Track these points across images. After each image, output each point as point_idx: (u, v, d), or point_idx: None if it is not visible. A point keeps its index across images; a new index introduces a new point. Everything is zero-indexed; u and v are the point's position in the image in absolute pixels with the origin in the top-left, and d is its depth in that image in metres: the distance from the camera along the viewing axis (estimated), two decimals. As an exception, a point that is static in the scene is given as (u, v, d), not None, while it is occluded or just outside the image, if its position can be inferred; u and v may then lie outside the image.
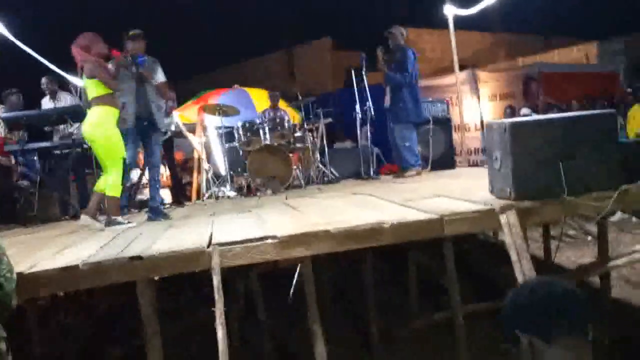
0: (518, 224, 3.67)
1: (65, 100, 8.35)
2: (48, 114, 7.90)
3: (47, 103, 8.51)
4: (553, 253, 6.18)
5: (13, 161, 8.16)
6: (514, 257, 3.61)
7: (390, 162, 9.54)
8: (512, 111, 12.37)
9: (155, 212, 6.27)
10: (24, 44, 9.34)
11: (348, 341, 5.65)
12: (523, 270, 3.55)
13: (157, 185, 6.46)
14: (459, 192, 4.79)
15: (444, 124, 9.07)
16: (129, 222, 5.69)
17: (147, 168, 7.04)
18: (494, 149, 3.99)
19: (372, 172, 8.67)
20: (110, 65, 5.91)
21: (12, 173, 8.27)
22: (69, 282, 3.70)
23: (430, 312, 5.81)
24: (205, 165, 9.14)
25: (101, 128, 5.59)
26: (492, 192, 4.11)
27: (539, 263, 5.71)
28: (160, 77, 6.48)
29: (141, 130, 6.39)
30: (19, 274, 3.32)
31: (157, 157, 6.57)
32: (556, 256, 6.29)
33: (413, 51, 8.14)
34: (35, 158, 8.31)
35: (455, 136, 10.44)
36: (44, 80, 8.49)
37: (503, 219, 3.70)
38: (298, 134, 9.10)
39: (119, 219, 5.70)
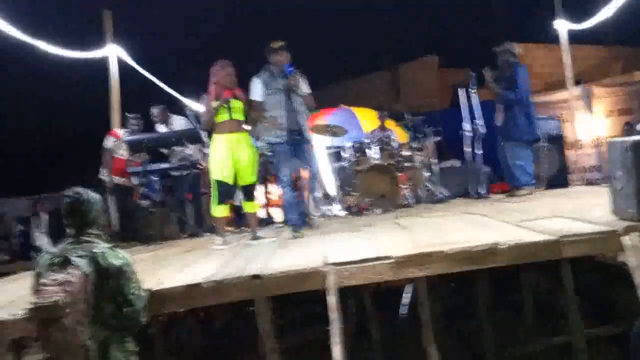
0: (643, 246, 3.54)
1: (179, 123, 8.71)
2: (167, 137, 8.31)
3: (161, 127, 8.91)
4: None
5: (135, 182, 8.63)
6: (638, 280, 3.48)
7: (500, 180, 9.35)
8: (630, 128, 11.83)
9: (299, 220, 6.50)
10: (144, 68, 9.87)
11: (461, 361, 5.59)
12: (648, 294, 3.41)
13: (314, 194, 6.69)
14: (576, 212, 4.67)
15: (557, 141, 8.82)
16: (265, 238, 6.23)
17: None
18: (615, 168, 3.86)
19: (482, 191, 8.53)
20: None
21: (134, 193, 8.74)
22: (192, 299, 3.89)
23: (546, 335, 5.65)
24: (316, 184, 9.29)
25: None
26: (613, 212, 3.98)
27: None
28: (305, 88, 6.45)
29: (294, 143, 6.40)
30: (147, 291, 3.53)
31: (315, 167, 6.74)
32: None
33: (525, 68, 7.97)
34: (155, 178, 8.76)
35: (569, 154, 10.11)
36: (154, 111, 8.88)
37: (626, 240, 3.58)
38: (406, 153, 9.11)
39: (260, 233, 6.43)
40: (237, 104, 6.09)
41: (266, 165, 8.74)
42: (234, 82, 6.12)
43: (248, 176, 6.18)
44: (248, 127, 6.26)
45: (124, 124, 9.05)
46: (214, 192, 6.10)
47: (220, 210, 6.13)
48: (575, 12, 10.99)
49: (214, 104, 5.99)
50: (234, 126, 6.09)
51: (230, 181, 6.13)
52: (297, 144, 6.39)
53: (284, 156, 6.33)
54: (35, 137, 22.92)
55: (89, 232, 3.34)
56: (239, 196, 8.93)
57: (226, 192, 6.17)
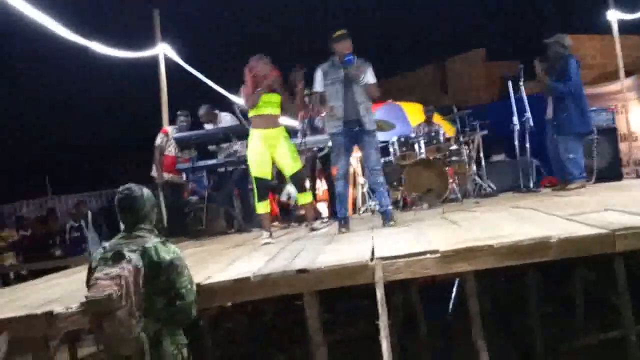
0: (699, 239, 3.44)
1: (226, 121, 8.77)
2: (215, 133, 8.41)
3: (209, 126, 8.97)
4: None
5: (184, 178, 8.77)
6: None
7: (549, 174, 9.20)
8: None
9: (386, 215, 6.17)
10: (191, 65, 10.01)
11: (511, 356, 5.53)
12: None
13: (382, 189, 6.28)
14: (630, 205, 4.56)
15: (610, 133, 8.61)
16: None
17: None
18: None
19: (531, 185, 8.40)
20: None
21: (183, 190, 8.89)
22: (240, 293, 3.94)
23: (598, 330, 5.56)
24: (360, 179, 9.29)
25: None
26: (667, 205, 3.88)
27: None
28: (370, 78, 6.24)
29: (352, 136, 6.24)
30: (196, 285, 3.60)
31: (373, 161, 6.26)
32: None
33: (576, 59, 7.79)
34: (203, 175, 8.88)
35: (622, 146, 9.88)
36: (201, 112, 8.94)
37: (681, 234, 3.49)
38: (453, 147, 9.04)
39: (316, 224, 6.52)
40: (274, 98, 6.15)
41: (313, 161, 8.77)
42: (274, 69, 6.19)
43: (291, 164, 6.26)
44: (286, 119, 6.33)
45: (173, 122, 9.18)
46: (254, 189, 6.21)
47: (262, 207, 6.22)
48: (627, 2, 10.72)
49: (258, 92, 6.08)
50: (270, 121, 6.16)
51: (268, 177, 6.25)
52: (355, 135, 6.21)
53: (338, 148, 6.24)
54: (89, 137, 23.46)
55: (141, 227, 3.42)
56: (287, 191, 9.05)
57: (265, 188, 6.26)
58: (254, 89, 6.09)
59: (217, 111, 8.91)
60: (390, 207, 6.28)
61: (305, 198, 6.49)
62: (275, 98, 6.17)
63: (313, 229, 6.17)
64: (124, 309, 3.05)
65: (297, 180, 6.44)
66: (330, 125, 6.25)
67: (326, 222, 7.86)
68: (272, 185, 6.52)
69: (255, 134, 6.16)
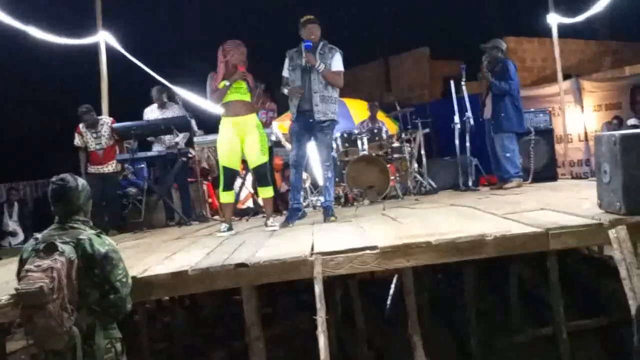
0: (628, 240, 3.55)
1: (173, 111, 8.59)
2: (157, 124, 8.23)
3: (150, 113, 8.79)
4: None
5: (116, 170, 8.43)
6: (623, 273, 3.50)
7: (488, 173, 9.38)
8: (619, 122, 11.88)
9: (327, 210, 6.12)
10: (134, 56, 9.78)
11: (447, 351, 5.62)
12: (633, 287, 3.43)
13: (327, 184, 6.19)
14: (564, 205, 4.68)
15: (547, 134, 8.82)
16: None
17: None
18: (603, 162, 3.87)
19: (470, 184, 8.55)
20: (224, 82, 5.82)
21: (115, 181, 8.49)
22: (178, 287, 3.90)
23: (532, 326, 5.70)
24: (303, 174, 9.27)
25: None
26: (600, 206, 3.99)
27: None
28: (335, 64, 6.05)
29: (307, 127, 6.10)
30: (133, 278, 3.52)
31: (323, 156, 6.17)
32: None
33: (514, 63, 8.03)
34: (143, 166, 8.70)
35: (558, 147, 10.13)
36: (154, 91, 8.76)
37: (612, 234, 3.59)
38: (395, 144, 9.11)
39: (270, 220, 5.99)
40: (243, 83, 5.86)
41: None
42: (245, 64, 5.86)
43: (258, 156, 5.89)
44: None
45: (115, 112, 8.91)
46: (220, 178, 5.97)
47: (227, 196, 5.99)
48: (567, 6, 10.99)
49: (223, 84, 5.78)
50: (240, 108, 5.85)
51: (237, 167, 6.05)
52: (310, 127, 6.09)
53: (292, 136, 6.13)
54: (21, 124, 22.79)
55: (76, 219, 3.32)
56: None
57: (232, 177, 6.09)
58: (222, 78, 5.79)
59: (165, 99, 8.71)
60: (332, 203, 6.24)
61: (267, 192, 6.11)
62: (244, 83, 5.86)
63: (267, 225, 5.90)
64: (55, 302, 2.97)
65: (261, 173, 6.04)
66: (290, 110, 6.19)
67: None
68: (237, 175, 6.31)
69: (225, 122, 5.87)
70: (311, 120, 6.01)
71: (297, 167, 6.20)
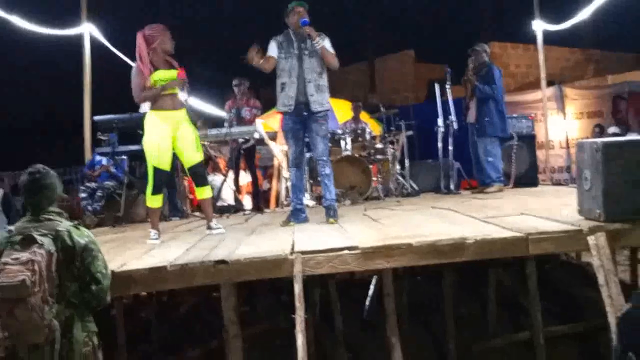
0: (607, 246, 3.56)
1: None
2: (140, 117, 8.12)
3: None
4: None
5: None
6: (601, 280, 3.51)
7: (470, 177, 9.42)
8: (600, 130, 11.99)
9: (330, 211, 5.67)
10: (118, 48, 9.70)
11: (424, 354, 5.62)
12: (611, 294, 3.44)
13: (327, 181, 5.74)
14: (544, 211, 4.69)
15: (529, 140, 8.88)
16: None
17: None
18: (584, 169, 3.89)
19: (452, 187, 8.57)
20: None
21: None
22: (156, 282, 3.85)
23: (510, 331, 5.72)
24: (285, 173, 9.26)
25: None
26: (580, 212, 4.01)
27: (625, 287, 5.54)
28: (327, 46, 5.72)
29: (302, 121, 5.73)
30: (111, 272, 3.48)
31: (319, 150, 5.73)
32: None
33: (499, 68, 8.09)
34: (124, 159, 8.61)
35: (539, 153, 10.21)
36: None
37: (591, 240, 3.60)
38: (378, 145, 9.11)
39: (213, 223, 5.50)
40: (174, 75, 5.27)
41: (237, 152, 8.67)
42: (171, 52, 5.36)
43: (193, 154, 5.36)
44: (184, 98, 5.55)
45: (97, 105, 8.81)
46: (149, 180, 5.29)
47: (155, 200, 5.35)
48: (552, 14, 11.08)
49: (156, 76, 5.20)
50: (175, 101, 5.34)
51: (167, 168, 5.35)
52: (305, 121, 5.73)
53: (288, 131, 5.76)
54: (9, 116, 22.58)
55: (51, 211, 3.28)
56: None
57: (163, 180, 5.38)
58: (149, 73, 5.19)
59: None
60: (335, 202, 5.81)
61: (205, 192, 5.54)
62: (174, 74, 5.29)
63: (210, 228, 5.46)
64: (37, 295, 2.94)
65: (199, 172, 5.49)
66: (281, 103, 5.73)
67: (248, 215, 7.80)
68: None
69: (154, 117, 5.25)
70: (305, 113, 5.67)
71: (298, 166, 5.88)
